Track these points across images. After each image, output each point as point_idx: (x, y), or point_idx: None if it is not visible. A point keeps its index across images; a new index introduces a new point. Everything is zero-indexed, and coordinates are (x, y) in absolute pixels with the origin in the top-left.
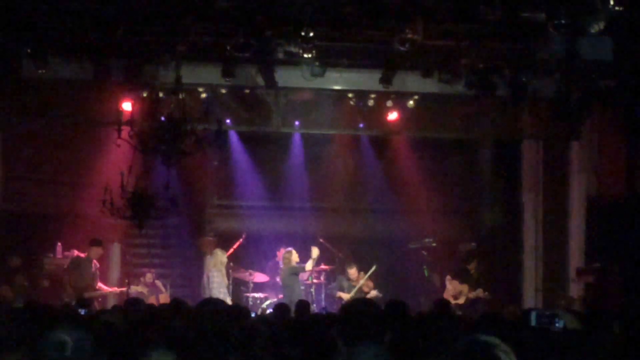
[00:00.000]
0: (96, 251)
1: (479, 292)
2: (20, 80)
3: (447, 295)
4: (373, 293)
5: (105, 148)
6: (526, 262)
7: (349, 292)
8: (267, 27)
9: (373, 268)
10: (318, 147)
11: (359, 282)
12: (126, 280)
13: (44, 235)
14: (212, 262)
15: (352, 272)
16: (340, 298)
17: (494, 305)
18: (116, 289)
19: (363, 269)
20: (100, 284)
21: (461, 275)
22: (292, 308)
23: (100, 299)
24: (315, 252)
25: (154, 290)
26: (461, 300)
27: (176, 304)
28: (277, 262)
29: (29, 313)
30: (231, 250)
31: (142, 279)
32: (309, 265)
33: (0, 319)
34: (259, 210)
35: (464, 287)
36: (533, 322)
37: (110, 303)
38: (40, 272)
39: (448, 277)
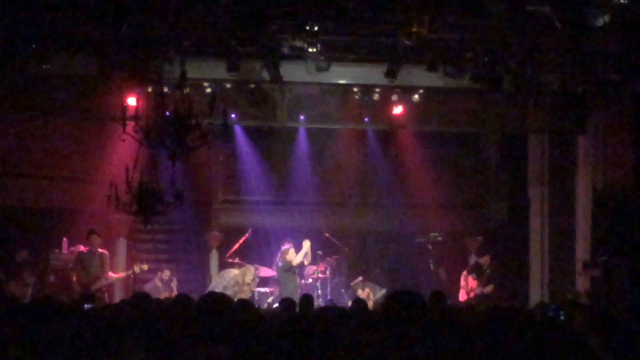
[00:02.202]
0: (95, 240)
1: (488, 289)
2: (25, 76)
3: (463, 291)
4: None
5: (110, 143)
6: (533, 256)
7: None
8: (272, 22)
9: (382, 292)
10: (323, 142)
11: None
12: (131, 273)
13: (51, 231)
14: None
15: (359, 293)
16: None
17: (500, 302)
18: (122, 274)
19: (371, 286)
20: (110, 273)
21: (476, 271)
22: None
23: (106, 291)
24: (306, 245)
25: (169, 287)
26: (471, 296)
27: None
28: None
29: (36, 309)
30: (237, 246)
31: (159, 273)
32: (297, 259)
33: (8, 314)
34: (264, 205)
35: (475, 284)
36: (538, 316)
37: (117, 291)
38: (47, 268)
39: (464, 273)
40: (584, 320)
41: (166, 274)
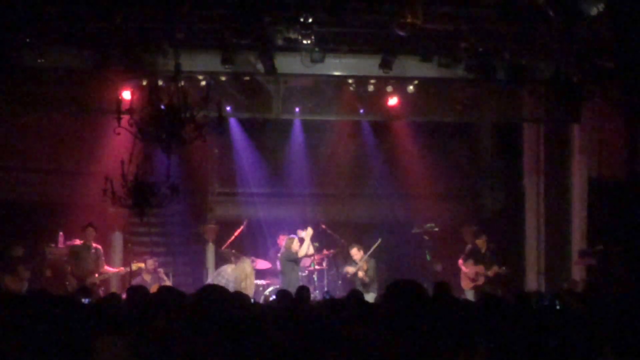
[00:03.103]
0: (90, 233)
1: (495, 270)
2: (20, 69)
3: (465, 278)
4: (360, 274)
5: (105, 137)
6: (528, 245)
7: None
8: (265, 14)
9: (377, 242)
10: (318, 134)
11: (361, 262)
12: (128, 270)
13: (46, 224)
14: (237, 271)
15: (354, 252)
16: (347, 272)
17: (515, 283)
18: (120, 269)
19: (366, 249)
20: (106, 267)
21: (474, 256)
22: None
23: (102, 287)
24: (305, 233)
25: (157, 278)
26: (480, 281)
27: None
28: (279, 249)
29: (32, 302)
30: (232, 238)
31: (142, 265)
32: (302, 251)
33: (4, 308)
34: (260, 197)
35: (480, 268)
36: (534, 305)
37: (114, 285)
38: (43, 261)
39: (460, 260)
40: (581, 308)
41: (150, 263)
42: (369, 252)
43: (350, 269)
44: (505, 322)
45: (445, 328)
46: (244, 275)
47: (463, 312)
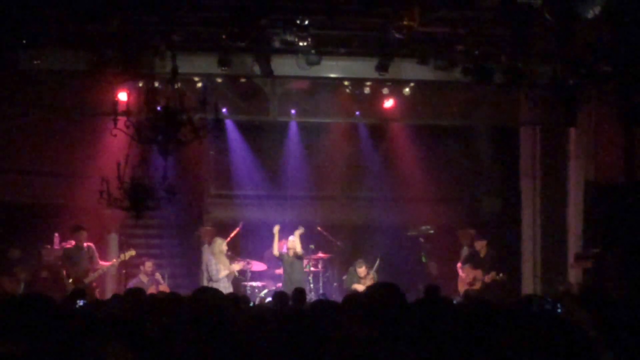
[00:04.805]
0: (82, 235)
1: (493, 276)
2: (16, 71)
3: (462, 282)
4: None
5: (101, 139)
6: (525, 248)
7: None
8: (262, 16)
9: (377, 263)
10: (315, 136)
11: (367, 280)
12: (121, 260)
13: (43, 226)
14: (209, 250)
15: (361, 270)
16: (356, 290)
17: (511, 288)
18: (113, 262)
19: (370, 266)
20: (100, 262)
21: (472, 260)
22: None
23: (98, 288)
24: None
25: (153, 280)
26: (477, 286)
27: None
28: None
29: (28, 304)
30: (228, 239)
31: (141, 267)
32: (274, 250)
33: (1, 309)
34: (256, 199)
35: (478, 272)
36: (535, 308)
37: (108, 282)
38: (39, 263)
39: (459, 264)
40: (581, 312)
41: (148, 265)
42: (373, 269)
43: (359, 287)
44: (504, 326)
45: (441, 332)
46: (218, 250)
47: (456, 315)
